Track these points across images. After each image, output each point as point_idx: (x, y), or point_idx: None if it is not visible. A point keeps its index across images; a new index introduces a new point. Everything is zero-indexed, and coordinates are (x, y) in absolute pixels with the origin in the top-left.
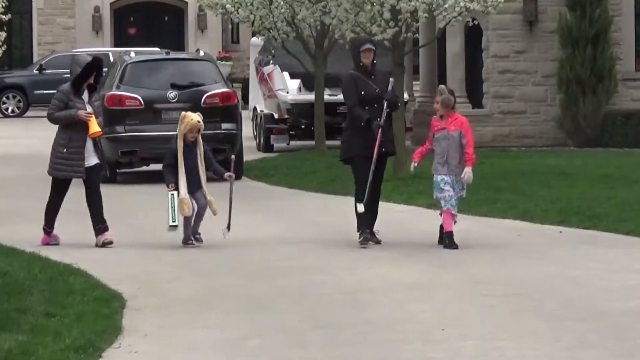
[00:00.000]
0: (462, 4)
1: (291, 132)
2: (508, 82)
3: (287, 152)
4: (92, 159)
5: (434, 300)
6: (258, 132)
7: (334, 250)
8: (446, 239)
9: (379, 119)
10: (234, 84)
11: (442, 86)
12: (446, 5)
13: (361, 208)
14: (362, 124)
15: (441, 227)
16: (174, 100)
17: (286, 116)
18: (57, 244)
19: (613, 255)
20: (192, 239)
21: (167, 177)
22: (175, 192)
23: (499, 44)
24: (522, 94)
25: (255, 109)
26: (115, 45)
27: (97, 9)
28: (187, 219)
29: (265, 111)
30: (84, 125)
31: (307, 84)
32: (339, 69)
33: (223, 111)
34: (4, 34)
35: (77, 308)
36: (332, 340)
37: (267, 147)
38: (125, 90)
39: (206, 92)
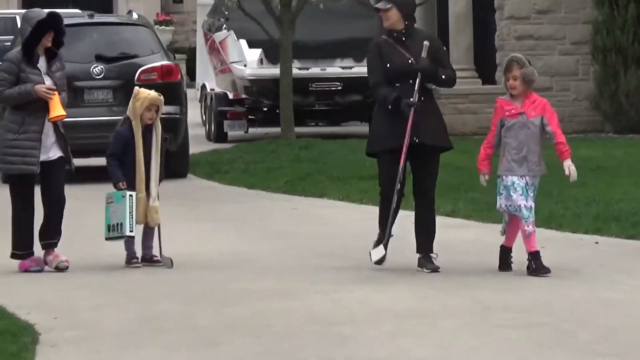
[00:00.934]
0: None
1: (250, 117)
2: (528, 51)
3: (245, 142)
4: (52, 151)
5: (435, 333)
6: (208, 117)
7: (304, 268)
8: (533, 262)
9: (413, 99)
10: (177, 56)
11: (518, 55)
12: None
13: (376, 255)
14: (390, 106)
15: (503, 249)
16: (99, 77)
17: (244, 96)
18: (41, 270)
19: None
20: (138, 258)
21: (114, 173)
22: (133, 193)
23: (516, 1)
24: (547, 66)
25: (204, 87)
26: (24, 7)
27: None
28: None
29: (217, 90)
30: (42, 103)
31: (271, 55)
32: (312, 35)
33: (163, 90)
34: None
35: None
36: None
37: (219, 135)
38: None
39: (141, 65)
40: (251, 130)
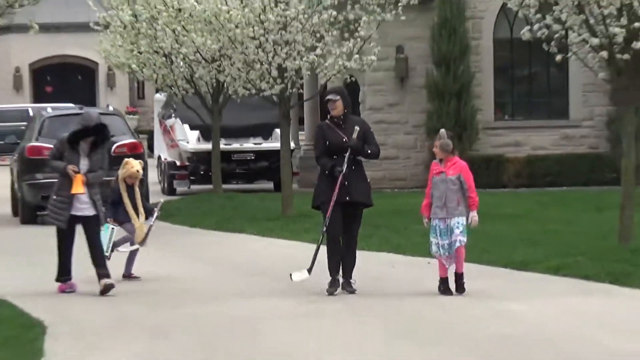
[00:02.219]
0: (340, 62)
1: (191, 177)
2: (383, 132)
3: (188, 195)
4: (88, 210)
5: (316, 325)
6: (162, 177)
7: (229, 282)
8: (458, 280)
9: (340, 168)
10: (140, 135)
11: (442, 130)
12: (326, 64)
13: (297, 276)
14: (327, 171)
15: (440, 279)
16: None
17: (187, 163)
18: (73, 291)
19: (480, 284)
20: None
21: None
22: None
23: (374, 97)
24: (395, 142)
25: (160, 157)
26: (35, 102)
27: (17, 69)
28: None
29: (169, 159)
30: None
31: (205, 135)
32: (233, 121)
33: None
34: None
35: (5, 334)
36: None
37: (170, 190)
38: (44, 142)
39: (115, 142)
40: (192, 186)
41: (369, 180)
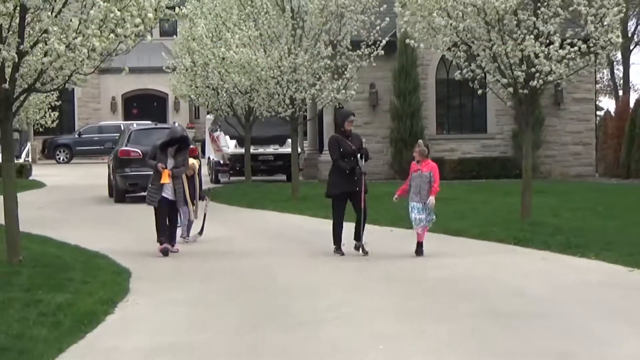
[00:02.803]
0: (332, 95)
1: (230, 172)
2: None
3: (228, 184)
4: (171, 196)
5: (316, 271)
6: (211, 172)
7: (255, 242)
8: (418, 247)
9: (359, 167)
10: (196, 143)
11: (420, 140)
12: (322, 95)
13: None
14: (347, 171)
15: (417, 243)
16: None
17: (227, 162)
18: (165, 254)
19: (427, 246)
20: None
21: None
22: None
23: (355, 118)
24: (369, 149)
25: (209, 158)
26: (125, 120)
27: (113, 98)
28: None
29: (215, 159)
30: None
31: (240, 143)
32: (259, 133)
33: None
34: (56, 113)
35: (102, 278)
36: (256, 298)
37: (216, 180)
38: (131, 147)
39: None
40: (231, 178)
41: None
